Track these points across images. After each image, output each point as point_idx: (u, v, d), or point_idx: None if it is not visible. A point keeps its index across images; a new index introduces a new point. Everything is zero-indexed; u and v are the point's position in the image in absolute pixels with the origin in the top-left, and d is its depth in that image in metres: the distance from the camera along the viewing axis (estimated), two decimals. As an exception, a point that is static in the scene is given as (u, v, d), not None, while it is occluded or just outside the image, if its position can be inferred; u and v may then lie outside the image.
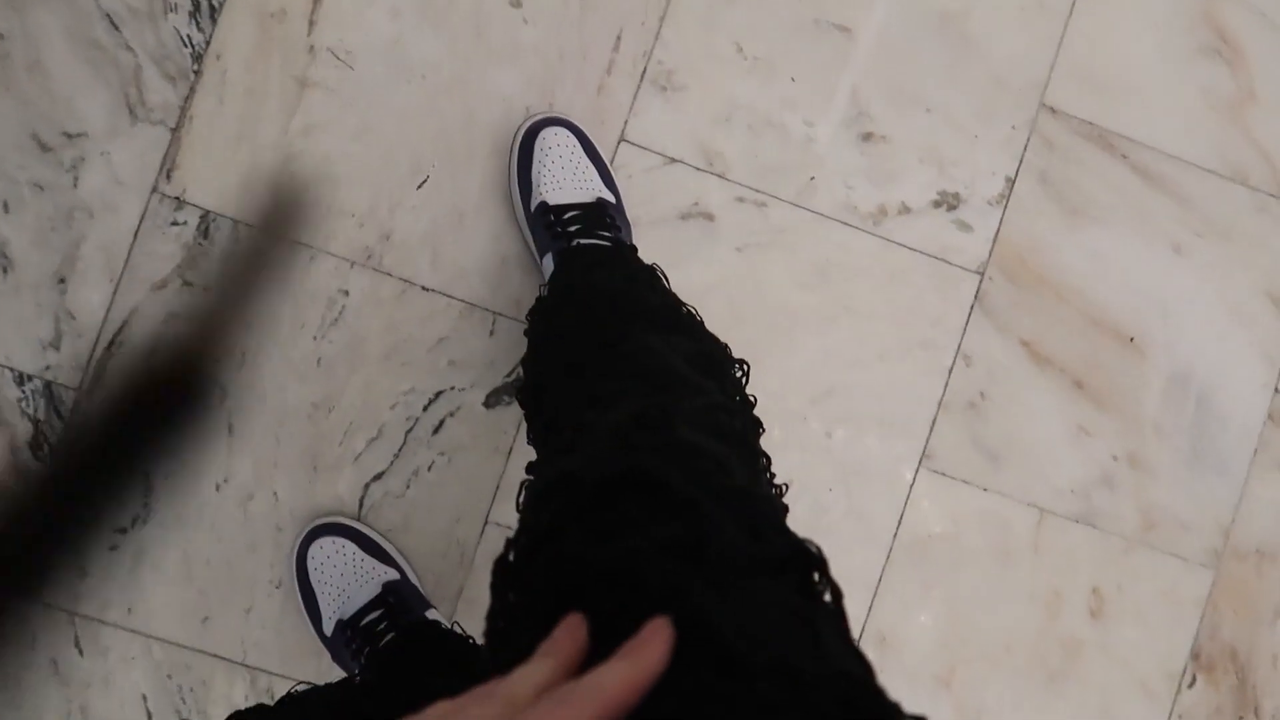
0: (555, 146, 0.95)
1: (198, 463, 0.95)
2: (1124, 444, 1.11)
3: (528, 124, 0.98)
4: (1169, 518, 1.11)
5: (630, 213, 1.03)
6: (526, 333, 0.85)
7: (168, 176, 0.96)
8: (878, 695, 0.33)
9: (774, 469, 1.04)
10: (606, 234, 0.91)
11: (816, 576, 0.41)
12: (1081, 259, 1.11)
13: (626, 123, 1.04)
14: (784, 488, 0.66)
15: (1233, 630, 1.13)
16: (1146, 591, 1.11)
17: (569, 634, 0.34)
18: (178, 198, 0.96)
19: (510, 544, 0.47)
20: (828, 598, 0.40)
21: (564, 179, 0.95)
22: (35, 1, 0.95)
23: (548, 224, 0.92)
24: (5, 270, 0.94)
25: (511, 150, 0.99)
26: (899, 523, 1.07)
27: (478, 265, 1.01)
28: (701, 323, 0.80)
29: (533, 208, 0.94)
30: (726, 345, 0.78)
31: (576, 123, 0.99)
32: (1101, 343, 1.11)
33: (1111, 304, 1.11)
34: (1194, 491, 1.12)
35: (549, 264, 0.91)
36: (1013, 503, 1.09)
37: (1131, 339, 1.11)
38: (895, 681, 1.06)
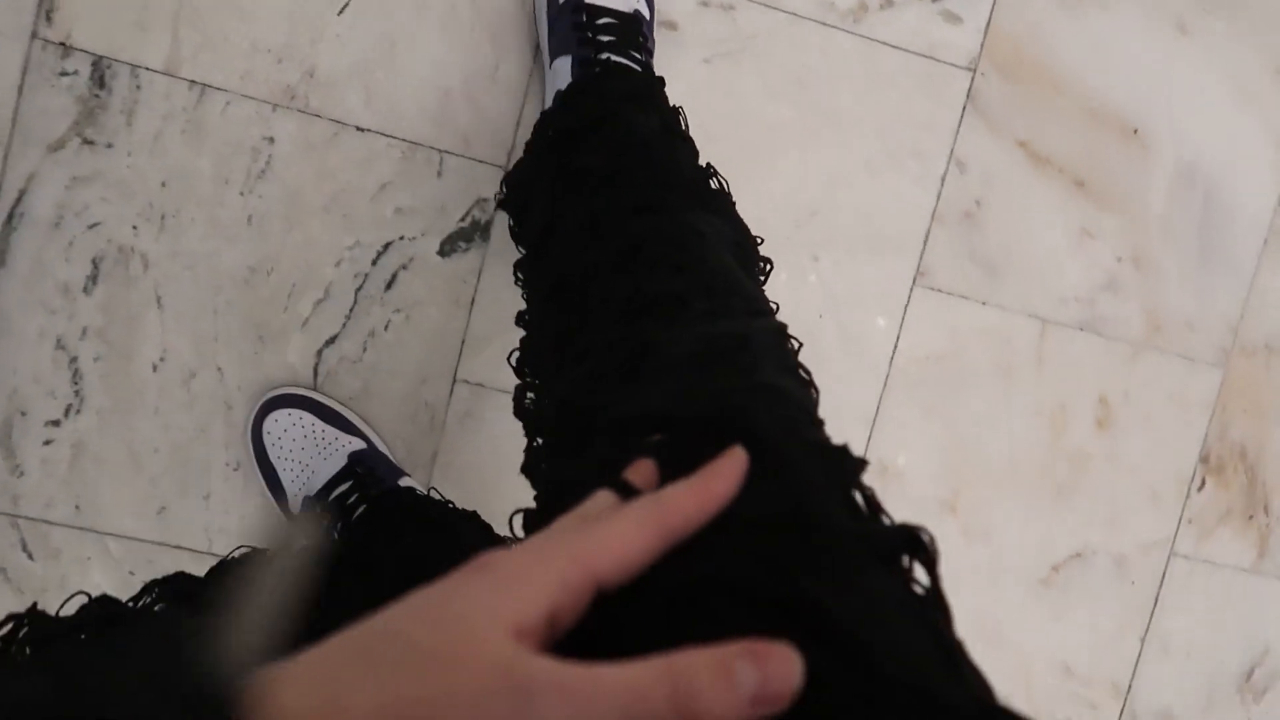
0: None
1: (127, 343, 0.87)
2: (1129, 244, 1.05)
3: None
4: (1176, 319, 1.07)
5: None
6: (529, 144, 0.75)
7: (47, 19, 0.84)
8: None
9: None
10: (639, 56, 0.80)
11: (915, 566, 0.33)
12: (1080, 46, 1.02)
13: (568, -79, 0.92)
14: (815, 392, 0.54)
15: (1242, 429, 1.10)
16: (1154, 397, 1.08)
17: (637, 471, 0.32)
18: (63, 43, 0.85)
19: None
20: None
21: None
22: None
23: (577, 24, 0.80)
24: None
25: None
26: (895, 347, 1.02)
27: (417, 99, 0.91)
28: (730, 196, 0.69)
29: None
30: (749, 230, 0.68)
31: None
32: (1103, 137, 1.03)
33: (1113, 93, 1.03)
34: (1201, 289, 1.07)
35: (564, 68, 0.80)
36: (1014, 315, 1.04)
37: (1135, 131, 1.04)
38: (899, 511, 1.03)
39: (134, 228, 0.87)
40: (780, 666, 0.24)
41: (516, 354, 0.62)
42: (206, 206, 0.88)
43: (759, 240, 0.66)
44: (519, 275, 0.71)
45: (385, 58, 0.90)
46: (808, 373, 0.49)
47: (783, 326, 0.52)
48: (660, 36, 0.95)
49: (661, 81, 0.79)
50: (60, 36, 0.85)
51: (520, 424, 0.60)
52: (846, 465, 0.37)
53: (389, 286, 0.91)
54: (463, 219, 0.91)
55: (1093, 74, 1.03)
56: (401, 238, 0.91)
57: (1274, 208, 1.07)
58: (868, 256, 1.01)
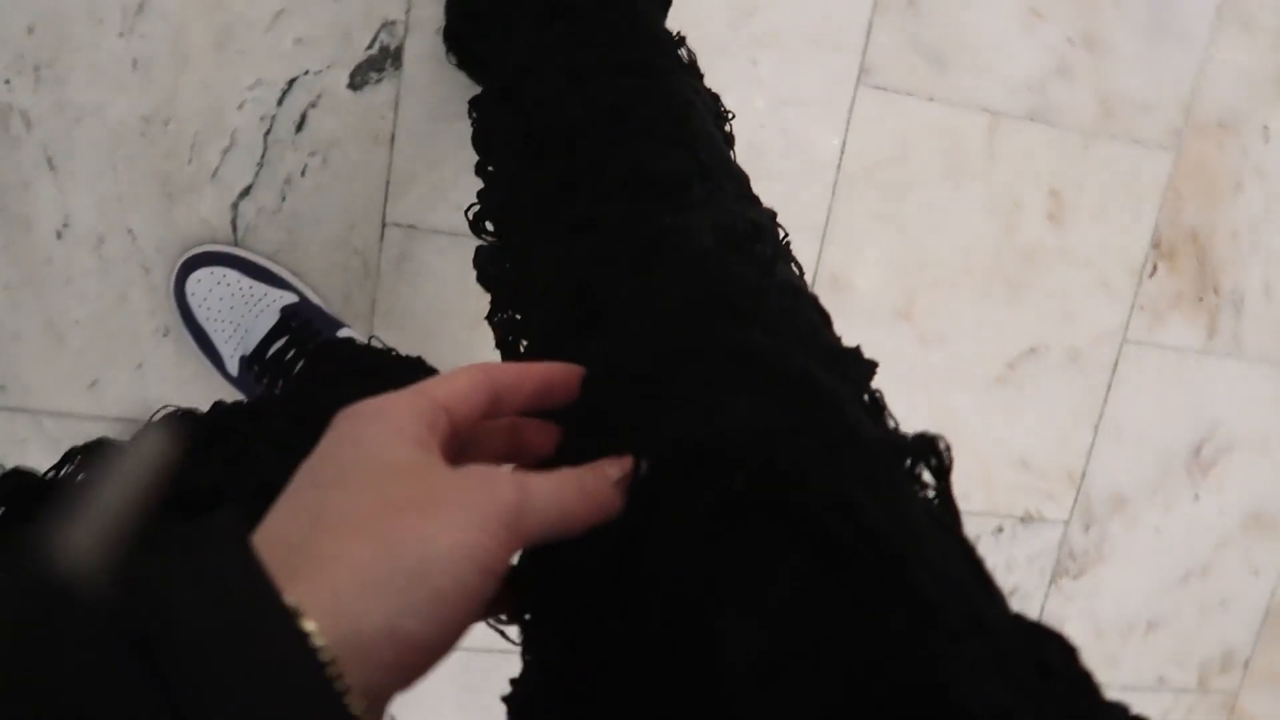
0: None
1: (23, 210, 0.83)
2: (1079, 23, 1.02)
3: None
4: (1128, 101, 1.05)
5: None
6: None
7: None
8: (1070, 656, 0.29)
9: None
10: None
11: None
12: None
13: None
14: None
15: (1193, 212, 1.11)
16: (1106, 185, 1.07)
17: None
18: None
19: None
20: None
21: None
22: None
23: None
24: None
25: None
26: (842, 152, 1.00)
27: (302, -87, 0.83)
28: (698, 67, 0.65)
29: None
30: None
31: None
32: (1051, -94, 0.98)
33: None
34: (1153, 66, 1.05)
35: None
36: (963, 110, 1.01)
37: (1085, -104, 0.99)
38: (853, 322, 1.03)
39: (6, 81, 0.80)
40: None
41: (475, 209, 0.58)
42: (84, 52, 0.81)
43: (730, 114, 0.62)
44: (474, 113, 0.66)
45: None
46: (799, 266, 0.49)
47: (773, 214, 0.52)
48: None
49: None
50: None
51: (462, 266, 0.58)
52: (860, 370, 0.39)
53: (299, 128, 0.86)
54: (370, 46, 0.86)
55: None
56: (306, 72, 0.85)
57: (1228, -27, 1.04)
58: (809, 56, 0.97)
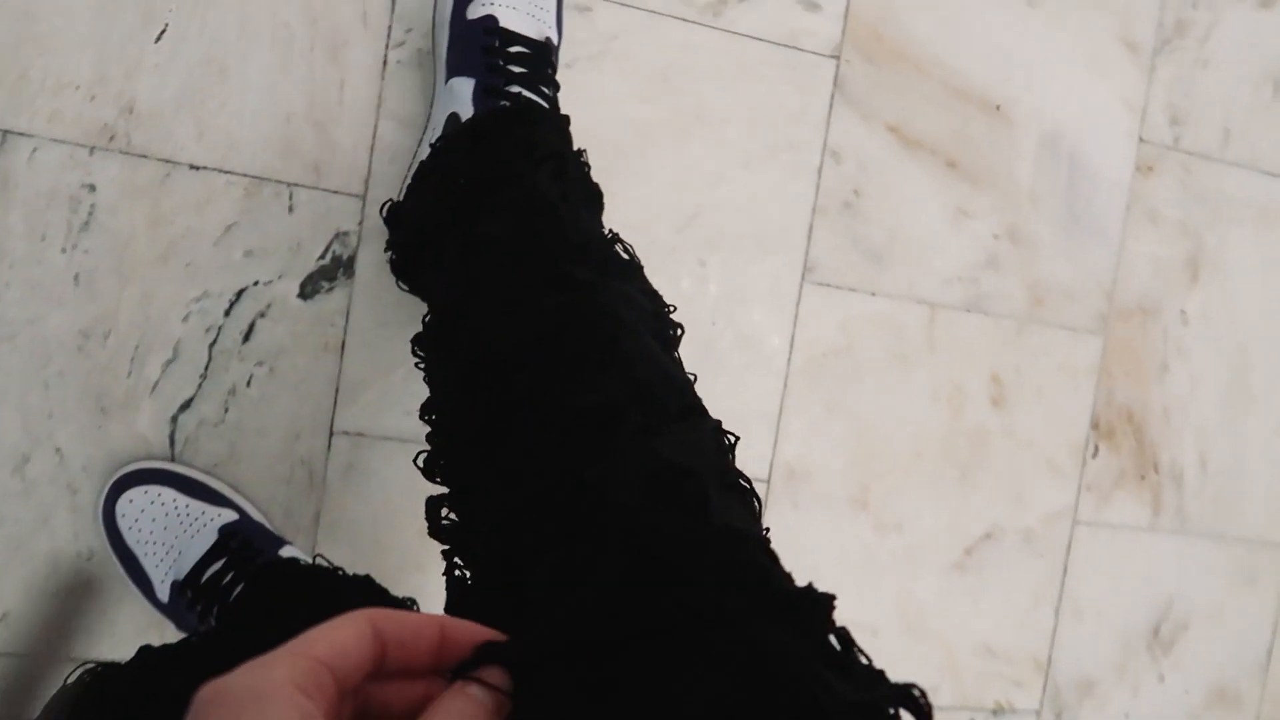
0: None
1: (-57, 431, 0.79)
2: (1003, 219, 1.10)
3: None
4: (1054, 290, 1.12)
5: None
6: (426, 178, 0.71)
7: None
8: None
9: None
10: (547, 91, 0.78)
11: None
12: (936, 25, 1.06)
13: (405, -73, 0.89)
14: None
15: (1125, 392, 1.17)
16: (1043, 369, 1.13)
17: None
18: None
19: None
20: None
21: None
22: None
23: (487, 47, 0.77)
24: None
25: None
26: (791, 345, 1.03)
27: (256, 128, 0.86)
28: (638, 262, 0.67)
29: (472, 16, 0.79)
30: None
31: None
32: (969, 114, 1.08)
33: (973, 70, 1.08)
34: (1075, 258, 1.13)
35: (463, 91, 0.77)
36: (902, 303, 1.07)
37: (998, 106, 1.09)
38: (811, 511, 1.04)
39: None
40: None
41: (424, 455, 0.58)
42: (22, 268, 0.80)
43: (671, 309, 0.64)
44: (418, 351, 0.66)
45: (215, 85, 0.85)
46: (747, 481, 0.49)
47: (718, 424, 0.53)
48: (516, 44, 0.92)
49: (567, 120, 0.77)
50: None
51: (411, 472, 0.57)
52: (818, 610, 0.38)
53: (247, 338, 0.85)
54: (322, 256, 0.87)
55: (951, 52, 1.07)
56: (256, 283, 0.85)
57: (1132, 172, 1.14)
58: (754, 255, 1.01)
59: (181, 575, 0.79)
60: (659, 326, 0.60)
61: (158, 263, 0.83)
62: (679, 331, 0.63)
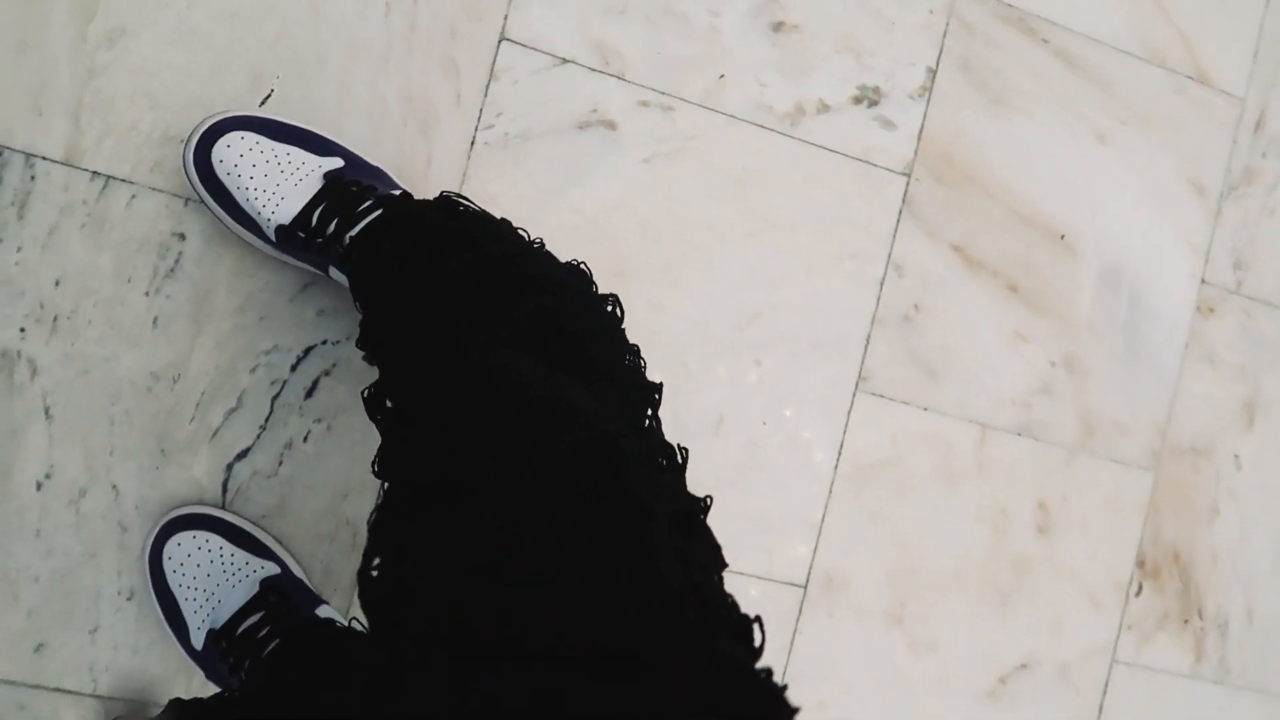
0: (238, 157, 0.81)
1: (6, 458, 0.82)
2: (1060, 347, 1.12)
3: (189, 152, 0.82)
4: (1108, 421, 1.14)
5: (518, 123, 0.95)
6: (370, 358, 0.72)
7: (-71, 101, 0.81)
8: None
9: (701, 403, 1.00)
10: (368, 203, 0.78)
11: None
12: (1008, 153, 1.10)
13: (507, 17, 0.95)
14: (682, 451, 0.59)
15: (1174, 532, 1.17)
16: (1090, 500, 1.13)
17: None
18: (-54, 128, 0.81)
19: None
20: None
21: (275, 186, 0.81)
22: None
23: (303, 242, 0.80)
24: None
25: (199, 193, 0.83)
26: (839, 452, 1.05)
27: (341, 194, 0.90)
28: (539, 246, 0.70)
29: (272, 234, 0.82)
30: (580, 274, 0.69)
31: (240, 112, 0.84)
32: (1033, 242, 1.11)
33: (1041, 199, 1.11)
34: (1130, 391, 1.14)
35: (340, 276, 0.80)
36: (954, 420, 1.08)
37: (1062, 236, 1.12)
38: (845, 621, 1.04)
39: (21, 330, 0.83)
40: None
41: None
42: (105, 306, 0.84)
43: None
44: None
45: (309, 150, 0.89)
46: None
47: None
48: (599, 135, 0.97)
49: (404, 199, 0.80)
50: (-55, 120, 0.82)
51: None
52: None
53: (309, 394, 0.89)
54: (391, 321, 0.90)
55: (1021, 180, 1.10)
56: (324, 342, 0.89)
57: (1192, 313, 1.16)
58: (810, 360, 1.04)
59: (218, 624, 0.81)
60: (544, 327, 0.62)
61: (234, 313, 0.87)
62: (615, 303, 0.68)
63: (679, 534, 0.48)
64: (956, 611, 1.09)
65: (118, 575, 0.85)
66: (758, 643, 0.44)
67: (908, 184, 1.07)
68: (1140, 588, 1.15)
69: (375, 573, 0.52)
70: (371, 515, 0.58)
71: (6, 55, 0.83)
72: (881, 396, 1.06)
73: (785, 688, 0.41)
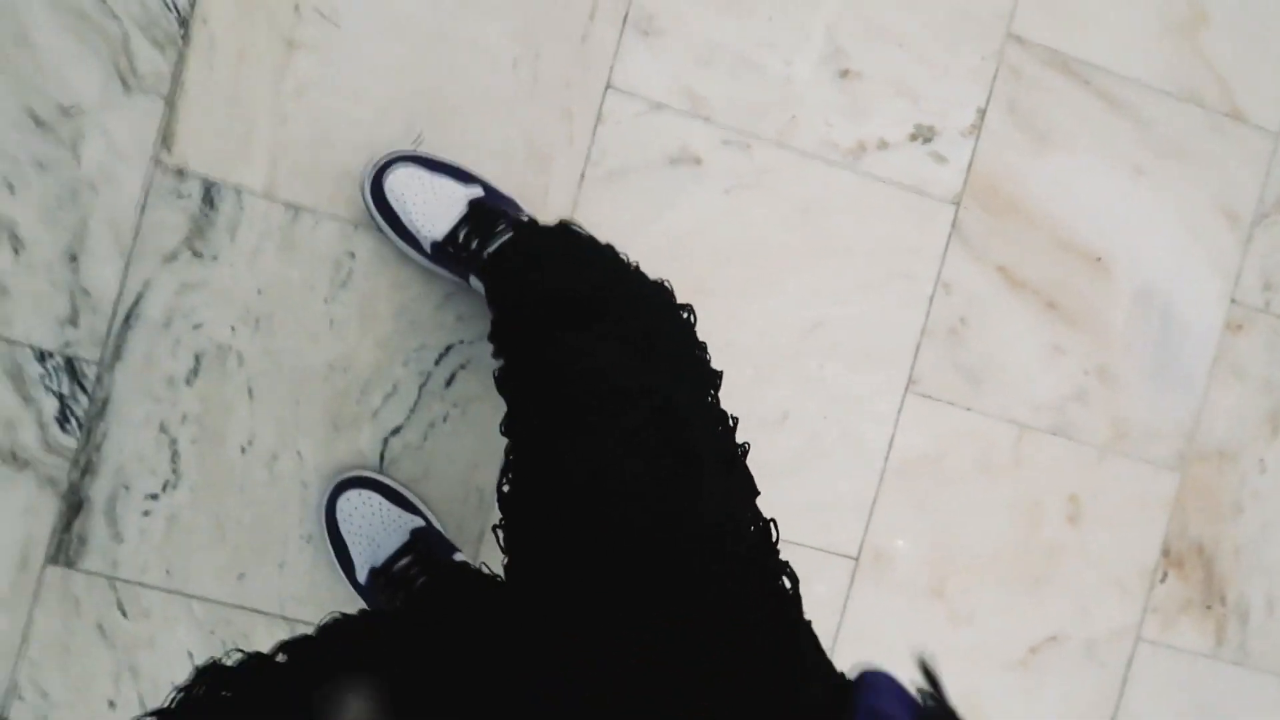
0: (404, 186, 1.04)
1: (220, 428, 1.06)
2: (1095, 359, 1.27)
3: (367, 182, 1.06)
4: (1137, 427, 1.28)
5: (619, 159, 1.14)
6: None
7: (166, 146, 1.05)
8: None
9: (769, 400, 1.18)
10: (501, 226, 1.00)
11: None
12: (1050, 185, 1.25)
13: (612, 69, 1.14)
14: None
15: (1198, 527, 1.31)
16: (1119, 496, 1.28)
17: None
18: (179, 169, 1.05)
19: None
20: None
21: (431, 209, 1.03)
22: (17, -23, 1.02)
23: (452, 256, 1.02)
24: (16, 251, 1.03)
25: (372, 214, 1.07)
26: (889, 446, 1.22)
27: (476, 220, 1.11)
28: (634, 268, 0.88)
29: (429, 249, 1.04)
30: (663, 289, 0.87)
31: (404, 151, 1.08)
32: (1071, 264, 1.26)
33: (1080, 226, 1.26)
34: (1159, 401, 1.28)
35: (478, 284, 1.01)
36: (993, 420, 1.24)
37: (1099, 259, 1.26)
38: (891, 594, 1.21)
39: (232, 329, 1.06)
40: None
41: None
42: (293, 310, 1.08)
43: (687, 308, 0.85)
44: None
45: (451, 185, 1.11)
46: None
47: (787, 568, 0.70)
48: (687, 170, 1.17)
49: (530, 226, 1.02)
50: (177, 162, 1.06)
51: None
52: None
53: (449, 384, 1.10)
54: (514, 326, 1.12)
55: (1061, 209, 1.25)
56: (461, 342, 1.11)
57: (1221, 330, 1.30)
58: (865, 365, 1.21)
59: (378, 564, 1.03)
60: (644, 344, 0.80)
61: (392, 318, 1.09)
62: (692, 317, 0.86)
63: (722, 472, 0.68)
64: (992, 590, 1.25)
65: (300, 522, 1.08)
66: (775, 539, 0.63)
67: (956, 212, 1.23)
68: (1165, 575, 1.30)
69: (506, 489, 0.73)
70: (503, 468, 0.79)
71: (223, 107, 1.06)
72: (929, 398, 1.23)
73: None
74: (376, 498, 1.06)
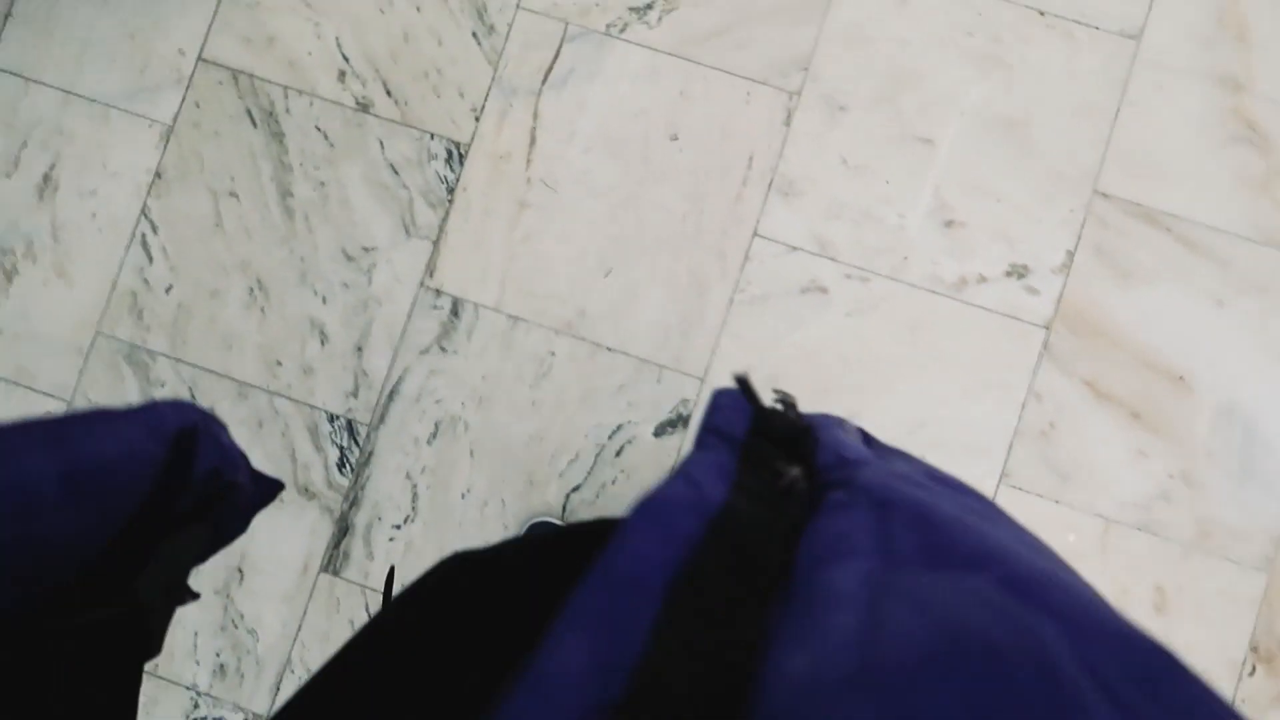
0: None
1: (448, 478, 1.44)
2: (1178, 464, 1.44)
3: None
4: (1222, 527, 1.43)
5: (761, 289, 1.47)
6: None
7: (430, 273, 1.47)
8: None
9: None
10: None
11: None
12: (1134, 314, 1.47)
13: (759, 221, 1.49)
14: None
15: (1291, 627, 1.42)
16: (1205, 591, 1.42)
17: None
18: (437, 289, 1.47)
19: None
20: None
21: None
22: (343, 158, 1.50)
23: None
24: (323, 343, 1.46)
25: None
26: (985, 530, 1.44)
27: (648, 331, 1.46)
28: None
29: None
30: None
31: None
32: (1155, 380, 1.46)
33: (1163, 349, 1.46)
34: (1244, 505, 1.44)
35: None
36: (1081, 513, 1.44)
37: (1181, 377, 1.46)
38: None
39: (462, 404, 1.45)
40: None
41: None
42: (504, 395, 1.45)
43: None
44: None
45: (630, 305, 1.47)
46: None
47: None
48: (815, 298, 1.47)
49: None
50: (436, 285, 1.47)
51: None
52: None
53: (618, 454, 1.44)
54: (671, 412, 1.44)
55: (1145, 334, 1.47)
56: (630, 422, 1.44)
57: (1304, 445, 1.44)
58: (964, 459, 1.45)
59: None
60: None
61: (578, 401, 1.45)
62: None
63: None
64: (1085, 666, 1.41)
65: (500, 555, 1.42)
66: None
67: (1047, 335, 1.47)
68: (1254, 669, 1.41)
69: None
70: None
71: (471, 248, 1.48)
72: (1020, 489, 1.44)
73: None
74: (558, 537, 1.39)
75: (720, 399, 0.48)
